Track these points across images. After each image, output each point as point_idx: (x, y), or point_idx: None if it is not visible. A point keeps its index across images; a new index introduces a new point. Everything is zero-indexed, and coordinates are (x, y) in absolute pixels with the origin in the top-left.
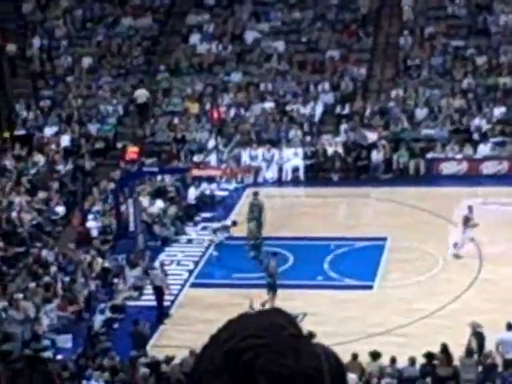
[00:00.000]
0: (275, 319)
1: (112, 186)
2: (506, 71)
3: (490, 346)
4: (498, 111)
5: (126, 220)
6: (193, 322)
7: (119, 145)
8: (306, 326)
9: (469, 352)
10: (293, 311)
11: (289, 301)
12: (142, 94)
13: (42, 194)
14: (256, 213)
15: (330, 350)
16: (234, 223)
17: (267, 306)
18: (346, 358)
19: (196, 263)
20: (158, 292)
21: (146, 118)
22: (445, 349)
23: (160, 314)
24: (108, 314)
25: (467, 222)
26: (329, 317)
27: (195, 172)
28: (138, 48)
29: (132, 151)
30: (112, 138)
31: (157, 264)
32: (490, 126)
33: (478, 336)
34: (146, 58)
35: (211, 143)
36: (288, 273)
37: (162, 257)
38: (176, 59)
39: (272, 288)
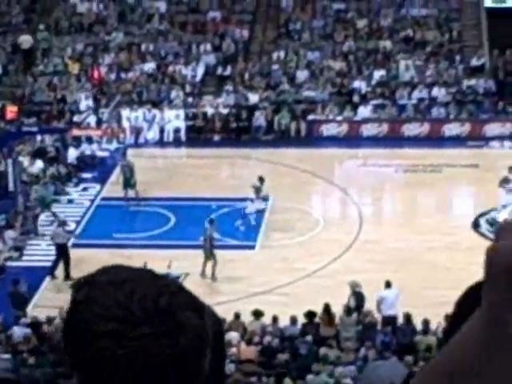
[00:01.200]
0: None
1: None
2: (387, 34)
3: (368, 305)
4: (378, 74)
5: (5, 180)
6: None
7: None
8: (188, 286)
9: (348, 310)
10: (174, 272)
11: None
12: (26, 40)
13: None
14: (127, 174)
15: (210, 308)
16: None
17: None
18: (228, 318)
19: (77, 223)
20: (60, 250)
21: (32, 64)
22: (327, 309)
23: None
24: None
25: (505, 183)
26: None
27: (75, 132)
28: (17, 6)
29: (11, 111)
30: None
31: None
32: (370, 89)
33: (357, 295)
34: (26, 16)
35: (91, 103)
36: (170, 233)
37: (42, 217)
38: (56, 18)
39: (209, 253)
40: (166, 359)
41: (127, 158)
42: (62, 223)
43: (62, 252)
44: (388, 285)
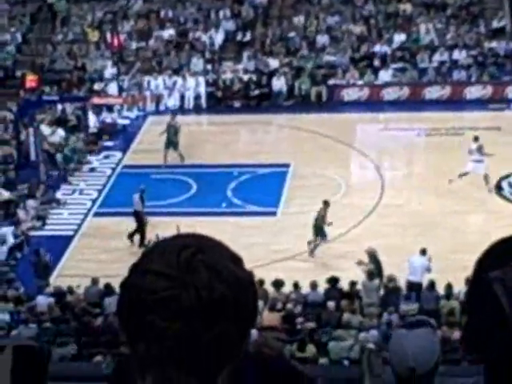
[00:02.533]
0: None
1: (11, 115)
2: None
3: (388, 270)
4: (399, 38)
5: (26, 150)
6: (96, 252)
7: (18, 73)
8: None
9: (370, 275)
10: None
11: (193, 228)
12: None
13: None
14: (171, 134)
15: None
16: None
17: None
18: None
19: (99, 192)
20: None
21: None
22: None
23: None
24: (11, 240)
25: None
26: (233, 243)
27: (96, 100)
28: None
29: (31, 79)
30: (11, 66)
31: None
32: (390, 53)
33: (376, 261)
34: None
35: (111, 71)
36: (192, 200)
37: (64, 186)
38: None
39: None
40: (205, 306)
41: (175, 119)
42: (142, 191)
43: (137, 219)
44: (423, 252)
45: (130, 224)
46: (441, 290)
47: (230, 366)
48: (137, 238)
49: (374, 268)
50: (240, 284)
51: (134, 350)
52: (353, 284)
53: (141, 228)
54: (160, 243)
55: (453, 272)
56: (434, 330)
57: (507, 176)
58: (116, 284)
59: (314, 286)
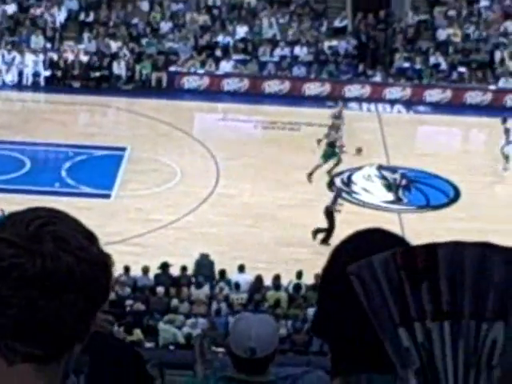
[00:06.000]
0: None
1: None
2: None
3: (218, 257)
4: (242, 30)
5: None
6: None
7: None
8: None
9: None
10: None
11: (25, 206)
12: None
13: None
14: None
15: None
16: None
17: None
18: None
19: None
20: None
21: None
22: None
23: None
24: None
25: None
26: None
27: None
28: None
29: None
30: None
31: None
32: (232, 44)
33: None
34: None
35: None
36: (24, 178)
37: None
38: None
39: None
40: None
41: None
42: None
43: None
44: (241, 269)
45: None
46: (268, 280)
47: (79, 343)
48: None
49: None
50: (90, 259)
51: None
52: (184, 269)
53: None
54: (13, 214)
55: (282, 264)
56: (274, 318)
57: (340, 173)
58: None
59: (145, 270)
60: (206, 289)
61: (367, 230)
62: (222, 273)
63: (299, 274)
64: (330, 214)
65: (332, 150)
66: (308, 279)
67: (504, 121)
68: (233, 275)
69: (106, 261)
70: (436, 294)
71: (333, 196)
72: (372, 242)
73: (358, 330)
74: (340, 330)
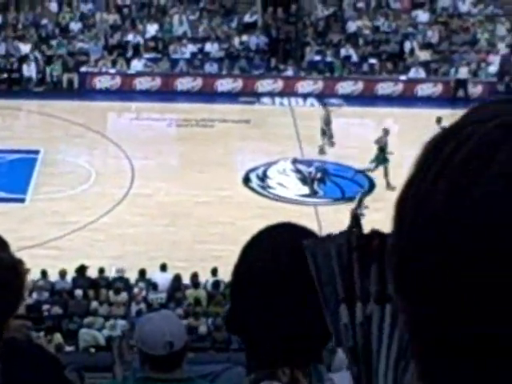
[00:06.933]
0: None
1: None
2: None
3: (134, 258)
4: (152, 28)
5: None
6: None
7: None
8: None
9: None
10: None
11: None
12: None
13: None
14: None
15: None
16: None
17: None
18: None
19: None
20: None
21: None
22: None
23: None
24: None
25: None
26: None
27: None
28: None
29: None
30: None
31: None
32: (143, 43)
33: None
34: None
35: None
36: None
37: None
38: None
39: None
40: None
41: None
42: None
43: None
44: (163, 268)
45: None
46: (186, 278)
47: None
48: None
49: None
50: (1, 266)
51: None
52: (101, 271)
53: None
54: None
55: (200, 262)
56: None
57: (255, 168)
58: None
59: (62, 274)
60: (124, 294)
61: (275, 225)
62: (142, 272)
63: (214, 271)
64: (355, 217)
65: (383, 155)
66: (226, 276)
67: (438, 121)
68: (154, 274)
69: (17, 267)
70: (382, 279)
71: (357, 199)
72: (280, 238)
73: (268, 326)
74: (251, 327)
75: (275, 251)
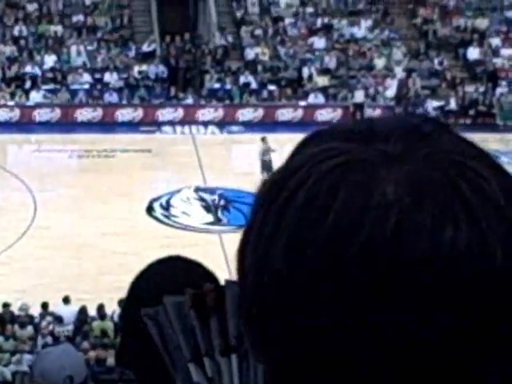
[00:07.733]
0: None
1: None
2: (57, 19)
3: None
4: (50, 59)
5: None
6: None
7: None
8: None
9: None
10: None
11: None
12: None
13: None
14: None
15: None
16: None
17: None
18: None
19: None
20: None
21: None
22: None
23: None
24: None
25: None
26: None
27: None
28: None
29: None
30: None
31: None
32: (41, 74)
33: None
34: None
35: None
36: None
37: None
38: None
39: None
40: None
41: None
42: None
43: None
44: (66, 300)
45: None
46: (92, 310)
47: None
48: None
49: None
50: None
51: None
52: (5, 305)
53: None
54: None
55: (105, 293)
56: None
57: (158, 198)
58: None
59: None
60: (29, 328)
61: (163, 259)
62: (45, 305)
63: (121, 302)
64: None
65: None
66: None
67: (263, 140)
68: (57, 307)
69: None
70: (224, 330)
71: None
72: (168, 271)
73: (156, 362)
74: (139, 362)
75: (162, 286)
